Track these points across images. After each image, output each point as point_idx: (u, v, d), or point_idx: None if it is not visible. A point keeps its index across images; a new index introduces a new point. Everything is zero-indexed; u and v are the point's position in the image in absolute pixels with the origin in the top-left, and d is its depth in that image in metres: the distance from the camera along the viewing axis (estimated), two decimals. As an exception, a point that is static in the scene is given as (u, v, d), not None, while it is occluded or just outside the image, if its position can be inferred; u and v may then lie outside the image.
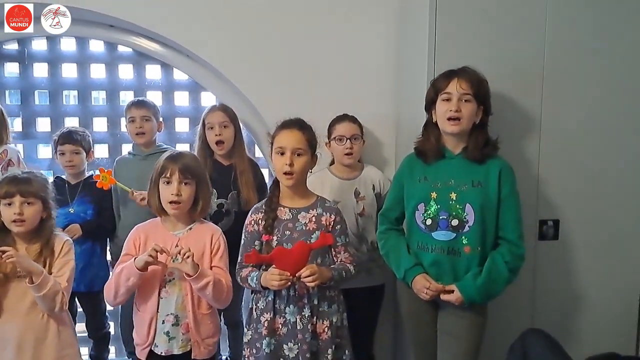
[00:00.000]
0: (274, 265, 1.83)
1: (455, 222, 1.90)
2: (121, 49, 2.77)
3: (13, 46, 2.73)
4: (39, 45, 2.75)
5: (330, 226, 1.94)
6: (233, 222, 2.43)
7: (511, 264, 1.90)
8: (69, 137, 2.49)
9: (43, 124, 2.84)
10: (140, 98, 2.64)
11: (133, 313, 2.01)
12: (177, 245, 1.89)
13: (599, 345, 2.22)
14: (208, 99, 2.84)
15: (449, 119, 1.90)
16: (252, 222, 1.96)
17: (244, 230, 2.00)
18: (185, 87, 2.85)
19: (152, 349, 1.93)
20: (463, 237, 1.90)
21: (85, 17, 2.54)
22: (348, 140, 2.37)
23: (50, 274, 1.92)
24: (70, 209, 2.47)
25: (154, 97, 2.75)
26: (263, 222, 1.93)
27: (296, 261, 1.80)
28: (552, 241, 2.28)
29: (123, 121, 2.67)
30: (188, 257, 1.80)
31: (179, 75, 2.82)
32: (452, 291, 1.90)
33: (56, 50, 2.76)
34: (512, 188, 1.93)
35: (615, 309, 2.33)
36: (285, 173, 1.88)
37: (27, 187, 1.92)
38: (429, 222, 1.93)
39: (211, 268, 1.95)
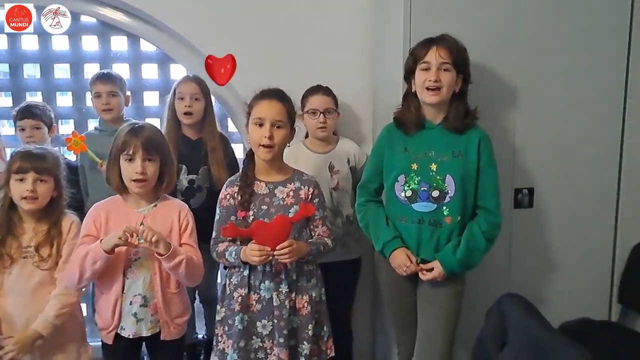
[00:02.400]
0: (253, 240, 1.78)
1: (435, 194, 1.89)
2: (84, 19, 2.64)
3: (-33, 17, 2.57)
4: (-5, 16, 2.60)
5: (309, 199, 1.90)
6: (205, 199, 2.38)
7: (488, 233, 1.91)
8: (28, 112, 2.39)
9: (3, 100, 2.70)
10: (106, 71, 2.52)
11: (95, 296, 1.94)
12: (142, 224, 1.81)
13: (572, 311, 2.29)
14: (178, 71, 2.74)
15: (428, 88, 1.87)
16: (227, 196, 1.90)
17: (218, 205, 1.94)
18: (154, 59, 2.74)
19: (119, 332, 1.86)
20: (444, 208, 1.89)
21: (45, -15, 2.40)
22: (321, 114, 2.32)
23: (60, 257, 1.87)
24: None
25: (121, 70, 2.64)
26: (239, 198, 1.86)
27: (276, 235, 1.75)
28: (527, 209, 2.30)
29: (88, 95, 2.56)
30: (157, 240, 1.72)
31: (146, 47, 2.71)
32: (432, 268, 1.90)
33: (15, 21, 2.61)
34: (490, 157, 1.93)
35: (588, 275, 2.37)
36: (263, 146, 1.82)
37: (41, 164, 1.85)
38: (408, 193, 1.92)
39: (180, 245, 1.88)
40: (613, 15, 2.24)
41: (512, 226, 2.28)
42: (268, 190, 1.89)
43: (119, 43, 2.70)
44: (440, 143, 1.91)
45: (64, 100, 2.77)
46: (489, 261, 2.00)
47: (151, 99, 2.79)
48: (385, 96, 2.39)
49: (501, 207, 1.95)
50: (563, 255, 2.36)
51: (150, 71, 2.76)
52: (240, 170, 1.96)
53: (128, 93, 2.55)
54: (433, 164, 1.90)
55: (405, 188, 1.93)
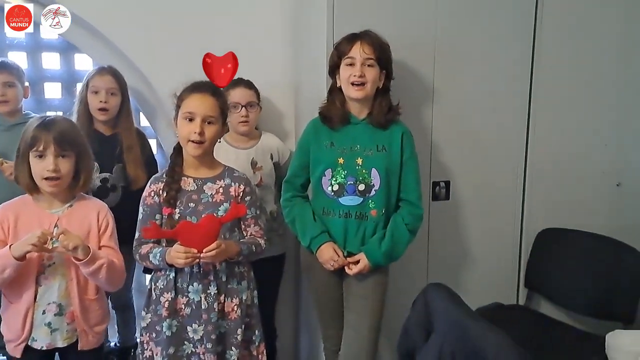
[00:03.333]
0: (179, 242, 1.69)
1: (362, 187, 1.92)
2: (-27, 1, 2.37)
3: None
4: None
5: (240, 197, 1.82)
6: (120, 199, 2.25)
7: (411, 225, 1.97)
8: None
9: None
10: (1, 59, 2.29)
11: (1, 304, 1.77)
12: (56, 226, 1.67)
13: (485, 297, 2.42)
14: (83, 62, 2.54)
15: (353, 84, 1.89)
16: (152, 194, 1.79)
17: (141, 203, 1.82)
18: (55, 47, 2.52)
19: (30, 343, 1.71)
20: (370, 201, 1.93)
21: None
22: (243, 108, 2.27)
23: None
24: None
25: (18, 59, 2.41)
26: (164, 194, 1.76)
27: (204, 236, 1.66)
28: (444, 201, 2.39)
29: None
30: (75, 247, 1.60)
31: (47, 34, 2.49)
32: (358, 261, 1.93)
33: None
34: (412, 151, 1.99)
35: (498, 263, 2.52)
36: (193, 141, 1.73)
37: None
38: (335, 187, 1.93)
39: (100, 248, 1.76)
40: (519, 22, 2.38)
41: (430, 218, 2.37)
42: (196, 187, 1.80)
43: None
44: (366, 138, 1.94)
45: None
46: (410, 252, 2.06)
47: (54, 91, 2.57)
48: (307, 90, 2.38)
49: (422, 199, 2.02)
50: (476, 244, 2.48)
51: (52, 61, 2.54)
52: (167, 165, 1.86)
53: (27, 84, 2.33)
54: (359, 158, 1.93)
55: (333, 182, 1.94)
